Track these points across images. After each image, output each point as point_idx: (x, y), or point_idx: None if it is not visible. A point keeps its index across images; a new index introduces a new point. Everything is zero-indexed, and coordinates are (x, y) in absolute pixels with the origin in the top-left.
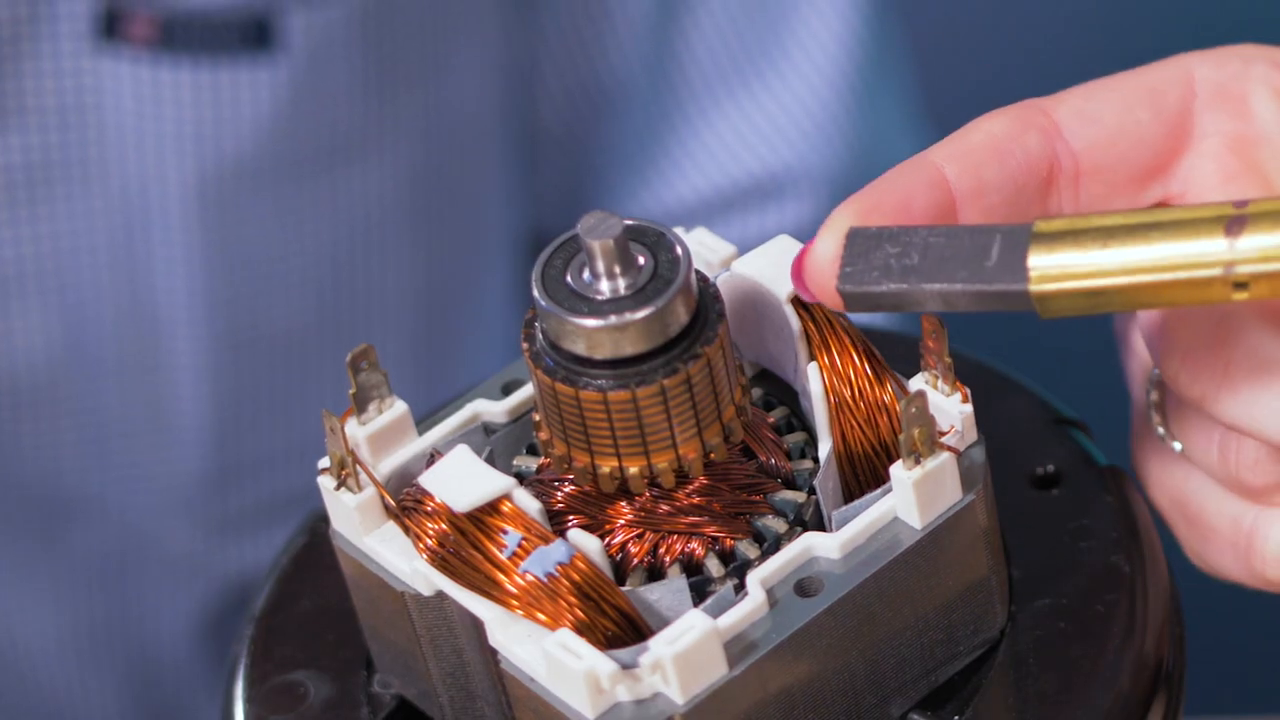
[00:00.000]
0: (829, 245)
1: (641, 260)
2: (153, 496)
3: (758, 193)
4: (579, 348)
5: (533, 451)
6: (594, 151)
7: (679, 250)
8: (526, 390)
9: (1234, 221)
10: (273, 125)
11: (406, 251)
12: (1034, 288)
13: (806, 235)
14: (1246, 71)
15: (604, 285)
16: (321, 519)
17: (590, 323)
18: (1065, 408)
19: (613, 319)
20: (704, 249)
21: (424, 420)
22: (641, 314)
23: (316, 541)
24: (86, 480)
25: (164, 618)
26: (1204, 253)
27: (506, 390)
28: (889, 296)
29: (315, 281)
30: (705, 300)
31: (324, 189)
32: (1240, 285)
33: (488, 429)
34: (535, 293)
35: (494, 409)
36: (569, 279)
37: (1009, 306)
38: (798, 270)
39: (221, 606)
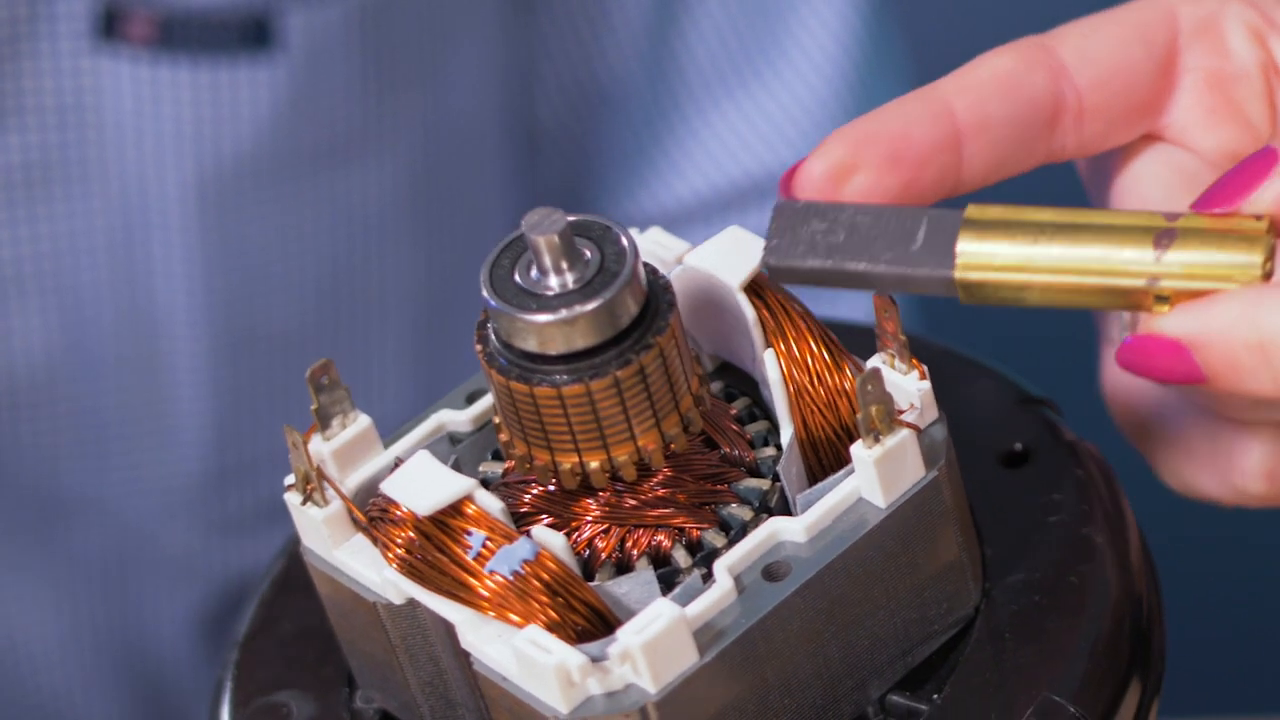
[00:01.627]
0: (817, 164)
1: (588, 254)
2: (152, 497)
3: (756, 193)
4: (531, 344)
5: (498, 457)
6: (592, 152)
7: (624, 242)
8: (490, 399)
9: (1163, 235)
10: (272, 125)
11: (406, 251)
12: (959, 274)
13: None
14: (1223, 9)
15: (552, 281)
16: (298, 541)
17: (540, 318)
18: (1032, 387)
19: (562, 313)
20: (658, 247)
21: (390, 437)
22: (590, 306)
23: (295, 564)
24: (86, 480)
25: (163, 618)
26: (1131, 262)
27: (470, 399)
28: (813, 273)
29: (314, 281)
30: (655, 290)
31: (323, 188)
32: (1161, 299)
33: (453, 439)
34: (484, 293)
35: (458, 418)
36: (517, 277)
37: (930, 291)
38: (787, 182)
39: (220, 607)
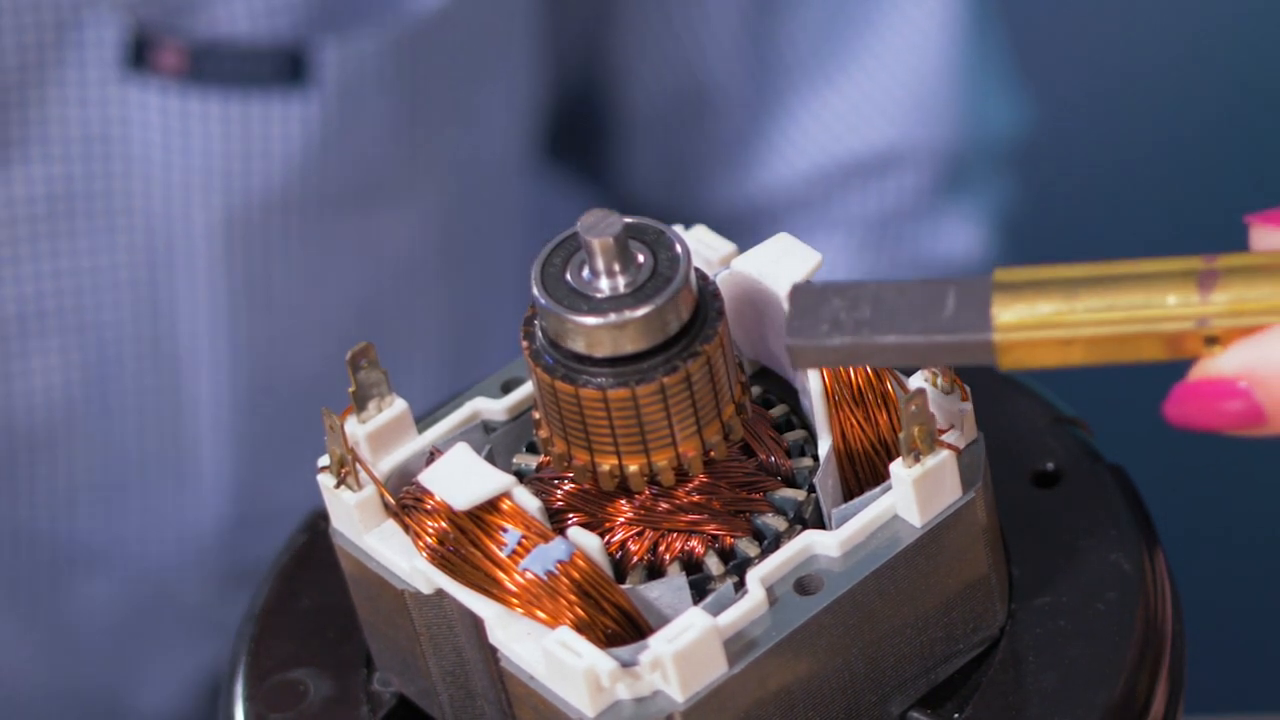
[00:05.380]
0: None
1: (641, 258)
2: (168, 545)
3: (860, 171)
4: (579, 345)
5: (532, 449)
6: (692, 140)
7: (678, 248)
8: (526, 388)
9: (1205, 275)
10: (303, 161)
11: (435, 295)
12: (999, 337)
13: (914, 210)
14: None
15: (603, 283)
16: (322, 516)
17: (590, 320)
18: (1065, 406)
19: (612, 317)
20: (703, 247)
21: (424, 418)
22: (641, 312)
23: (316, 539)
24: (101, 525)
25: (173, 671)
26: (1176, 305)
27: (506, 388)
28: (840, 351)
29: (339, 326)
30: (705, 298)
31: (353, 229)
32: (1211, 340)
33: (487, 427)
34: (535, 290)
35: (493, 407)
36: (568, 277)
37: (967, 359)
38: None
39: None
